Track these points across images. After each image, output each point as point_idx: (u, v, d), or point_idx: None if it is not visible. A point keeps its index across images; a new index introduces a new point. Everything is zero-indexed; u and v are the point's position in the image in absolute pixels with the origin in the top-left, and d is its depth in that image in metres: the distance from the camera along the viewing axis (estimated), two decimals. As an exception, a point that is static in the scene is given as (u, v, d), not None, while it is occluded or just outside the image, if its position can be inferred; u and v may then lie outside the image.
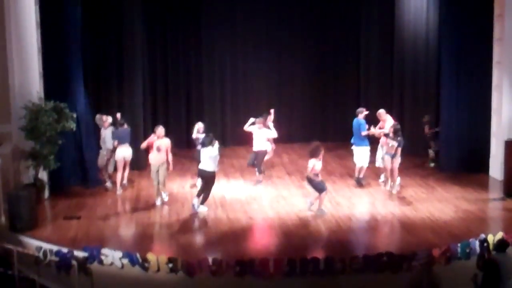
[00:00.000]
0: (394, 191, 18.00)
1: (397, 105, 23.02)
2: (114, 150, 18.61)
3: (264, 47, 24.69)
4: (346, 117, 20.95)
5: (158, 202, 17.40)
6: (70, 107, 17.80)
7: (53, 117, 17.13)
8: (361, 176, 19.09)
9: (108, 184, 18.83)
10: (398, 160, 17.95)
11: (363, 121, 18.90)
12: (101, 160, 18.87)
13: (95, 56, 19.82)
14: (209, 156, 16.77)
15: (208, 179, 16.97)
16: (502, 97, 19.19)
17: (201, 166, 16.94)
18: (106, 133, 18.70)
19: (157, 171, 17.30)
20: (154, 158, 17.36)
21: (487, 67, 19.58)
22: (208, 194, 17.10)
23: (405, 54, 22.62)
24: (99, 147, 18.94)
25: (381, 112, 19.10)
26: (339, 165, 21.26)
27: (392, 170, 18.03)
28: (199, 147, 18.28)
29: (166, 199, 17.64)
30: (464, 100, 19.82)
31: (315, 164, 16.65)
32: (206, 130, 18.99)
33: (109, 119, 18.84)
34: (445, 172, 19.92)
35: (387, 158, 18.06)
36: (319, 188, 16.81)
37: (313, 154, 16.76)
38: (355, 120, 19.02)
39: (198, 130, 19.11)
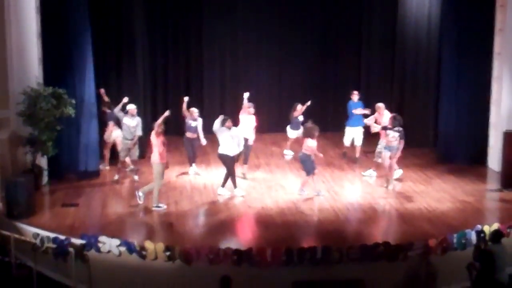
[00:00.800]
0: (390, 187, 17.66)
1: (397, 96, 23.01)
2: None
3: (265, 39, 24.59)
4: (346, 109, 20.94)
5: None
6: (70, 93, 17.75)
7: (52, 103, 17.07)
8: (357, 155, 20.33)
9: (136, 177, 18.68)
10: (398, 154, 17.58)
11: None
12: (125, 151, 18.68)
13: (94, 45, 19.72)
14: (226, 138, 16.90)
15: (228, 163, 17.13)
16: (502, 88, 19.18)
17: (221, 150, 17.07)
18: (134, 122, 18.43)
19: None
20: None
21: (487, 58, 19.55)
22: (234, 177, 17.18)
23: (407, 45, 22.53)
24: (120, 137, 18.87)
25: (381, 105, 19.10)
26: (338, 154, 21.24)
27: (389, 165, 17.68)
28: (188, 133, 18.42)
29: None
30: (464, 91, 19.79)
31: (310, 144, 16.92)
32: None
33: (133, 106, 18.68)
34: (443, 163, 19.93)
35: (385, 153, 17.65)
36: (307, 169, 17.09)
37: (308, 134, 17.14)
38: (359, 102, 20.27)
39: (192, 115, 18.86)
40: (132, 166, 18.88)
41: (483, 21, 19.42)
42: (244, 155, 18.76)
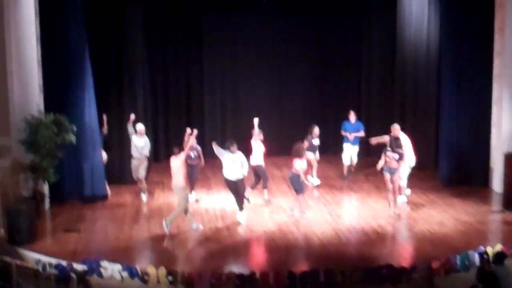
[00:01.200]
0: (397, 211, 17.45)
1: (398, 118, 22.94)
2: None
3: (265, 59, 24.65)
4: (341, 128, 21.01)
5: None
6: (70, 119, 17.81)
7: (53, 130, 17.11)
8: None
9: (144, 195, 18.97)
10: (398, 175, 17.52)
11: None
12: (136, 171, 18.93)
13: (95, 67, 19.81)
14: (228, 162, 16.95)
15: (229, 187, 17.21)
16: (502, 110, 19.18)
17: (224, 173, 17.11)
18: (142, 142, 18.71)
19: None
20: None
21: (487, 80, 19.58)
22: (238, 200, 17.16)
23: (406, 67, 22.56)
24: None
25: (396, 126, 18.46)
26: (339, 177, 21.22)
27: (393, 189, 17.49)
28: (188, 161, 18.01)
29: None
30: (465, 113, 19.80)
31: (297, 164, 17.12)
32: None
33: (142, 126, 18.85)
34: (445, 185, 19.90)
35: (386, 175, 17.49)
36: (297, 188, 17.20)
37: (296, 154, 17.30)
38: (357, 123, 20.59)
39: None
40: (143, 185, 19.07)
41: (482, 44, 19.46)
42: (263, 180, 18.78)
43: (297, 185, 17.24)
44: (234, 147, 17.09)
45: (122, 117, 19.90)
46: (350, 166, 20.87)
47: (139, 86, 21.24)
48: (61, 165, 17.89)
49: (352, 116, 20.78)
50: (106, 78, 20.33)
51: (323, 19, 24.70)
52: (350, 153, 20.72)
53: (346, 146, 20.76)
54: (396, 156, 17.30)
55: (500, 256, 12.50)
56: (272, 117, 24.34)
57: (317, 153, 20.26)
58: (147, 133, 19.37)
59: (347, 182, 20.61)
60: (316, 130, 20.29)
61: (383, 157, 17.54)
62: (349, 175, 20.85)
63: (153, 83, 23.53)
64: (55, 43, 18.19)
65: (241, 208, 17.09)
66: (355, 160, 20.80)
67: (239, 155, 17.10)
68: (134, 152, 18.76)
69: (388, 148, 17.48)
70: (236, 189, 17.07)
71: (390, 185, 17.43)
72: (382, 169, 17.55)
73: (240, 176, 17.07)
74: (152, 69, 23.26)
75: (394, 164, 17.30)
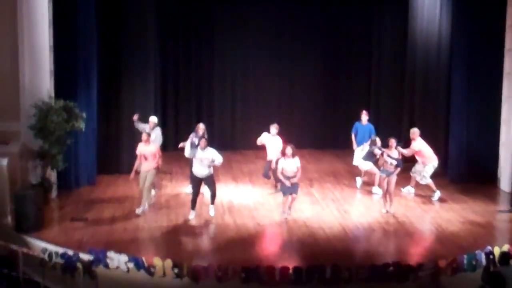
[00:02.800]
0: (391, 210, 17.30)
1: (407, 116, 22.98)
2: None
3: (276, 52, 24.69)
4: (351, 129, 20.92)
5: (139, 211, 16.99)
6: (80, 106, 17.81)
7: (63, 116, 17.13)
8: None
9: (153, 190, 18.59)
10: (394, 179, 17.26)
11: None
12: None
13: (106, 57, 19.80)
14: (200, 161, 16.65)
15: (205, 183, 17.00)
16: (512, 108, 19.17)
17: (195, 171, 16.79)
18: (153, 134, 17.99)
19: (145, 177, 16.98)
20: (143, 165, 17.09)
21: (497, 78, 19.53)
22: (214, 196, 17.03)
23: (417, 63, 22.56)
24: None
25: (415, 131, 18.47)
26: (348, 172, 21.18)
27: (388, 191, 17.32)
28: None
29: (146, 207, 17.14)
30: (474, 110, 19.75)
31: (281, 164, 16.80)
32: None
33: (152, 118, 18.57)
34: (453, 183, 19.85)
35: (382, 176, 17.41)
36: (283, 190, 16.95)
37: (282, 153, 17.06)
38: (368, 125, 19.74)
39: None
40: None
41: (493, 41, 19.41)
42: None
43: (283, 187, 16.89)
44: (203, 144, 16.65)
45: (132, 108, 19.84)
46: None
47: (149, 75, 21.24)
48: (69, 152, 17.95)
49: (364, 117, 19.97)
50: (117, 71, 20.41)
51: (334, 13, 24.69)
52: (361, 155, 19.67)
53: (357, 150, 19.78)
54: (394, 162, 17.17)
55: (505, 257, 12.45)
56: (282, 111, 24.28)
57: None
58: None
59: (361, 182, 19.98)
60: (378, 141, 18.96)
61: (381, 159, 17.49)
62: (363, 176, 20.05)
63: (164, 73, 23.59)
64: (67, 28, 18.20)
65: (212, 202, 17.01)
66: (364, 167, 19.61)
67: (209, 151, 16.66)
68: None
69: (392, 156, 17.26)
70: (208, 185, 16.85)
71: (385, 186, 17.30)
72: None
73: (209, 173, 16.73)
74: (163, 59, 23.33)
75: (391, 168, 17.19)
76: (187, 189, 18.58)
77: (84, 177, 19.26)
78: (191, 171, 16.96)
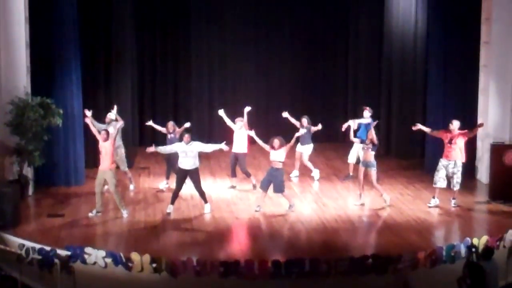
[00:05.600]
0: (362, 202, 17.28)
1: (385, 108, 23.05)
2: None
3: (253, 44, 24.75)
4: (333, 119, 20.93)
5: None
6: (57, 103, 17.68)
7: (40, 113, 17.04)
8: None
9: (132, 186, 18.79)
10: (374, 169, 17.12)
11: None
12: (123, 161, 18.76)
13: (83, 56, 19.66)
14: (185, 154, 16.58)
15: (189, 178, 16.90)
16: (489, 100, 19.21)
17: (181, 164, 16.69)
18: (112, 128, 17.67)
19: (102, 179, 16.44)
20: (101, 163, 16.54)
21: (474, 70, 19.58)
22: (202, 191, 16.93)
23: (393, 56, 22.67)
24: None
25: (454, 123, 17.49)
26: (326, 165, 21.22)
27: (368, 182, 17.25)
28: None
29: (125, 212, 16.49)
30: (451, 102, 19.77)
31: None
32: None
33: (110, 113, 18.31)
34: (431, 175, 19.80)
35: (361, 168, 17.26)
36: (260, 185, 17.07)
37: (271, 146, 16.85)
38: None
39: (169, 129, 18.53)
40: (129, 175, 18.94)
41: (469, 33, 19.48)
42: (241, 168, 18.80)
43: (263, 181, 17.00)
44: (187, 138, 16.56)
45: (109, 102, 19.69)
46: (354, 166, 19.47)
47: (127, 70, 21.14)
48: (46, 149, 17.81)
49: (367, 113, 19.37)
50: (94, 65, 20.24)
51: (311, 5, 24.69)
52: (358, 152, 19.10)
53: (356, 144, 19.11)
54: (370, 145, 17.08)
55: (488, 252, 12.55)
56: (259, 103, 24.23)
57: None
58: (134, 121, 19.20)
59: (346, 181, 19.72)
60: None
61: (361, 150, 17.54)
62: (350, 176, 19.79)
63: (141, 67, 23.50)
64: (44, 25, 18.05)
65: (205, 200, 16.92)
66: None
67: (194, 145, 16.62)
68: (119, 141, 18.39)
69: (376, 143, 17.25)
70: (193, 181, 16.73)
71: (361, 177, 17.20)
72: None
73: (194, 165, 16.64)
74: (140, 53, 23.26)
75: (370, 158, 17.09)
76: (162, 184, 18.60)
77: (70, 174, 18.95)
78: (172, 166, 17.04)
